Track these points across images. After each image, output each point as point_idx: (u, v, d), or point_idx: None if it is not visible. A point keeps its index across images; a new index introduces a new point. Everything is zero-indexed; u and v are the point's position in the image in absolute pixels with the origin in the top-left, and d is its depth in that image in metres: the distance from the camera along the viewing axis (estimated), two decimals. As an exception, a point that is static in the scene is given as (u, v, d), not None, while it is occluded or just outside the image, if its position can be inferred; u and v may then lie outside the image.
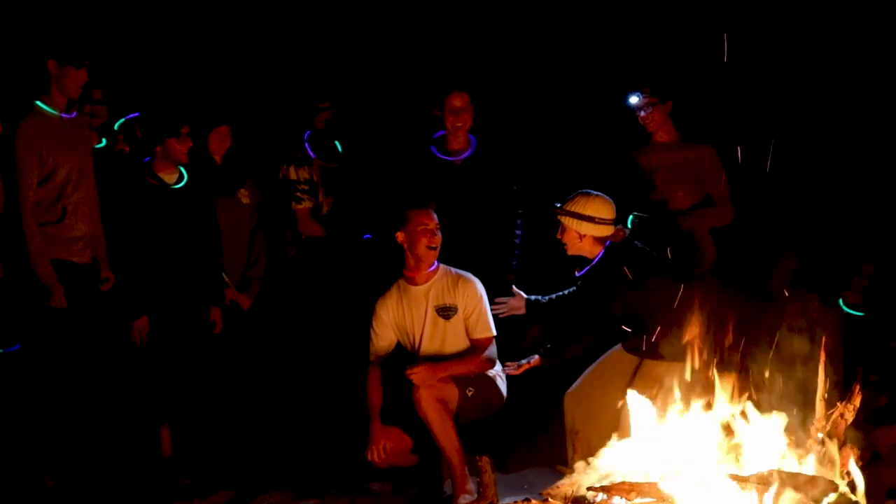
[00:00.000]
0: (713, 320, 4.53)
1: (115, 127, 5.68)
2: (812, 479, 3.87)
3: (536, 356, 5.05)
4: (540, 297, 5.23)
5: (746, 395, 4.19)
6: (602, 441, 4.43)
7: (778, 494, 3.82)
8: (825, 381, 4.06)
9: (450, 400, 4.86)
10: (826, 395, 4.05)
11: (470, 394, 4.92)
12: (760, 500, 3.88)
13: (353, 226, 6.00)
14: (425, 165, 5.69)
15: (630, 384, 4.81)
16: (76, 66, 4.96)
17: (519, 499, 4.53)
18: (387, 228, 5.09)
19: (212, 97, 6.13)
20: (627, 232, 5.19)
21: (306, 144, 5.98)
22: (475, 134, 5.71)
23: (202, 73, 6.46)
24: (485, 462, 4.67)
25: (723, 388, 4.23)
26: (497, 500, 4.67)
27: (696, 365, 4.35)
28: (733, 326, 4.51)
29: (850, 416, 4.00)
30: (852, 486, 3.90)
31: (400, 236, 5.02)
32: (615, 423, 4.57)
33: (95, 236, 5.20)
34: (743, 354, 4.37)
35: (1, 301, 5.04)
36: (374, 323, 5.10)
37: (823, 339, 4.16)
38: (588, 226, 4.92)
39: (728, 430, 4.19)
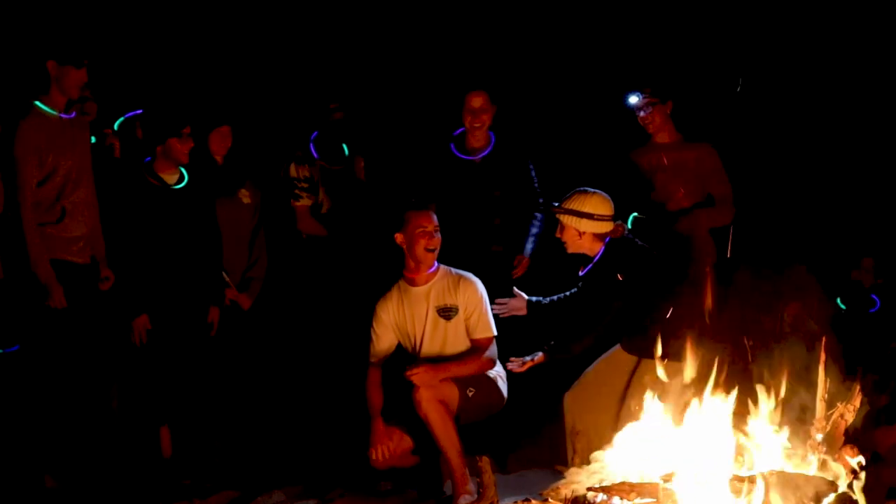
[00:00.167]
0: (713, 320, 4.54)
1: (115, 126, 5.67)
2: (812, 480, 3.87)
3: (540, 353, 5.03)
4: (541, 299, 5.23)
5: (747, 394, 4.18)
6: (602, 441, 4.42)
7: (777, 495, 3.82)
8: (825, 381, 4.05)
9: (450, 401, 4.85)
10: (826, 396, 4.04)
11: (470, 394, 4.91)
12: (760, 501, 3.87)
13: (353, 226, 6.00)
14: (443, 163, 5.71)
15: (629, 384, 4.82)
16: (76, 66, 4.95)
17: (519, 499, 4.52)
18: (388, 229, 5.09)
19: (213, 97, 6.13)
20: (626, 228, 5.20)
21: (311, 145, 5.98)
22: (495, 132, 5.74)
23: (203, 72, 6.45)
24: (485, 462, 4.67)
25: (723, 387, 4.22)
26: (497, 501, 4.66)
27: (696, 364, 4.34)
28: (734, 326, 4.51)
29: (850, 417, 4.00)
30: (852, 487, 3.90)
31: (399, 238, 5.02)
32: (615, 423, 4.56)
33: (95, 236, 5.20)
34: (743, 354, 4.36)
35: (1, 301, 5.03)
36: (374, 324, 5.09)
37: (824, 339, 4.15)
38: (587, 223, 4.92)
39: (728, 430, 4.19)
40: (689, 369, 4.32)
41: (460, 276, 5.07)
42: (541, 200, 5.02)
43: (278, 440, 5.71)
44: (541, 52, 6.57)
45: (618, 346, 5.00)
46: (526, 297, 5.22)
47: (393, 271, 5.16)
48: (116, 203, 5.33)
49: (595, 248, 4.96)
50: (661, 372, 4.39)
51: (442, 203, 5.50)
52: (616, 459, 4.29)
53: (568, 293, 5.17)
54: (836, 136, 6.17)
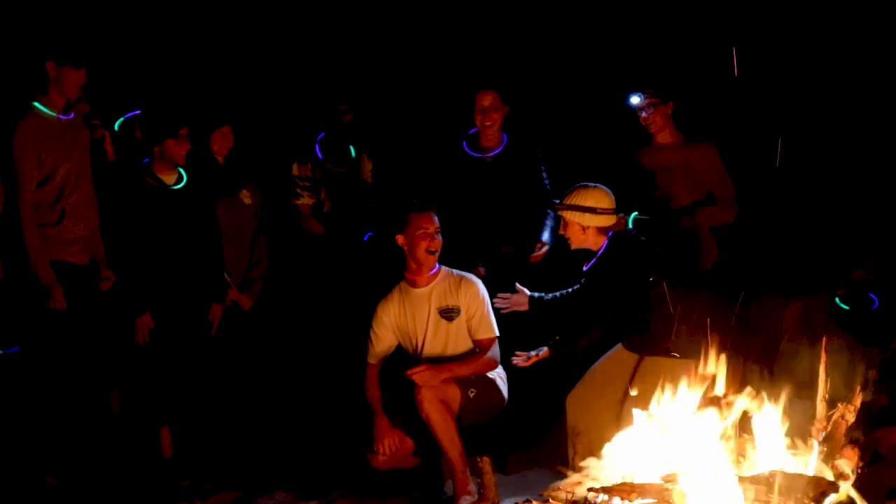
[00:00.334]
0: (714, 318, 4.54)
1: (116, 126, 5.66)
2: (813, 480, 3.87)
3: (545, 348, 5.03)
4: (544, 295, 5.22)
5: (748, 394, 4.18)
6: (603, 442, 4.42)
7: (779, 495, 3.82)
8: (826, 381, 4.06)
9: (452, 401, 4.85)
10: (827, 396, 4.04)
11: (472, 395, 4.91)
12: (761, 501, 3.88)
13: (354, 227, 6.00)
14: (454, 162, 5.73)
15: (631, 382, 4.81)
16: (75, 67, 4.95)
17: (520, 499, 4.53)
18: (389, 230, 5.08)
19: (215, 97, 6.12)
20: (628, 221, 5.21)
21: (316, 146, 5.98)
22: (508, 132, 5.75)
23: (205, 73, 6.44)
24: (485, 463, 4.69)
25: (725, 387, 4.22)
26: (498, 501, 4.69)
27: (698, 363, 4.35)
28: (735, 326, 4.51)
29: (850, 417, 4.00)
30: (853, 487, 3.90)
31: (400, 239, 5.01)
32: (617, 423, 4.56)
33: (94, 237, 5.19)
34: (745, 354, 4.36)
35: (1, 302, 5.03)
36: (374, 325, 5.08)
37: (824, 339, 4.16)
38: (590, 217, 4.92)
39: (730, 430, 4.19)
40: (692, 367, 4.34)
41: (462, 277, 5.07)
42: (556, 201, 5.02)
43: (279, 441, 5.71)
44: (545, 52, 6.55)
45: (619, 346, 5.01)
46: (528, 292, 5.21)
47: (393, 272, 5.15)
48: (115, 204, 5.33)
49: (599, 243, 4.96)
50: (662, 370, 4.40)
51: (452, 201, 5.53)
52: (617, 460, 4.30)
53: (570, 290, 5.16)
54: (837, 136, 6.16)
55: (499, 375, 5.07)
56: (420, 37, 6.63)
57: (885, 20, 6.07)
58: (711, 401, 4.26)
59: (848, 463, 3.92)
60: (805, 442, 4.03)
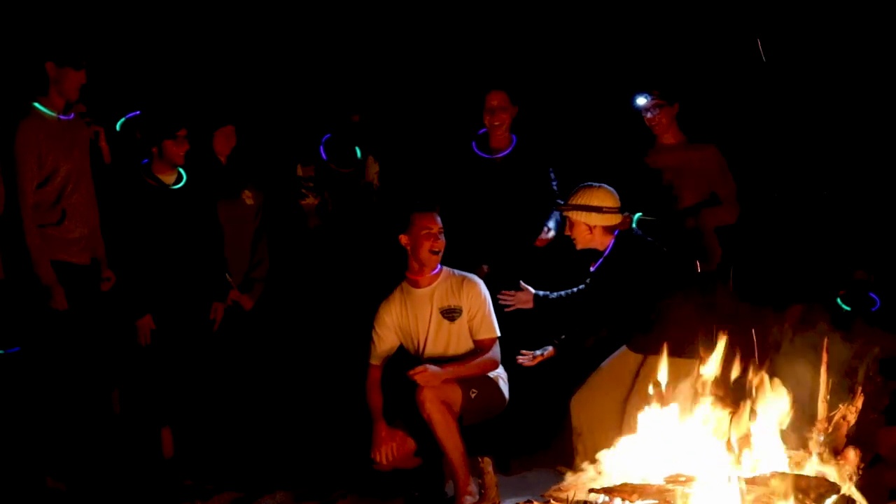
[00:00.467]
0: (716, 319, 4.54)
1: (117, 127, 5.66)
2: (814, 481, 3.87)
3: (551, 347, 5.03)
4: (548, 293, 5.22)
5: (750, 395, 4.18)
6: (606, 443, 4.42)
7: (780, 496, 3.82)
8: (827, 382, 4.05)
9: (453, 401, 4.85)
10: (828, 397, 4.04)
11: (473, 395, 4.91)
12: (762, 502, 3.88)
13: (356, 227, 6.01)
14: (462, 161, 5.74)
15: (635, 382, 4.81)
16: (74, 68, 4.94)
17: (521, 500, 4.53)
18: (392, 231, 5.07)
19: (217, 97, 6.11)
20: (633, 221, 5.21)
21: (321, 147, 5.99)
22: (517, 132, 5.75)
23: (208, 73, 6.44)
24: (486, 463, 4.68)
25: (726, 387, 4.22)
26: (499, 502, 4.68)
27: (700, 363, 4.35)
28: (737, 326, 4.51)
29: (851, 418, 4.00)
30: (854, 488, 3.90)
31: (403, 239, 5.00)
32: (620, 424, 4.56)
33: (95, 237, 5.20)
34: (747, 354, 4.36)
35: (2, 303, 5.03)
36: (375, 326, 5.08)
37: (825, 340, 4.15)
38: (596, 216, 4.92)
39: (731, 431, 4.19)
40: (695, 368, 4.33)
41: (464, 277, 5.06)
42: (561, 202, 5.02)
43: (280, 441, 5.71)
44: (553, 53, 6.54)
45: (624, 348, 5.00)
46: (533, 290, 5.21)
47: (394, 273, 5.15)
48: (115, 204, 5.33)
49: (605, 242, 4.96)
50: (665, 369, 4.40)
51: (460, 201, 5.54)
52: (619, 460, 4.30)
53: (575, 289, 5.16)
54: (840, 136, 6.16)
55: (500, 376, 5.07)
56: (427, 37, 6.62)
57: (888, 23, 6.07)
58: (712, 401, 4.27)
59: (849, 464, 3.93)
60: (806, 443, 4.03)
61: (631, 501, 4.01)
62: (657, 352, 4.65)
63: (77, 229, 5.08)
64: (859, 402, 4.02)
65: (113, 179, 5.38)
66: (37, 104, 4.97)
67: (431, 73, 6.59)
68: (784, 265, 5.69)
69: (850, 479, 3.92)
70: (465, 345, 5.03)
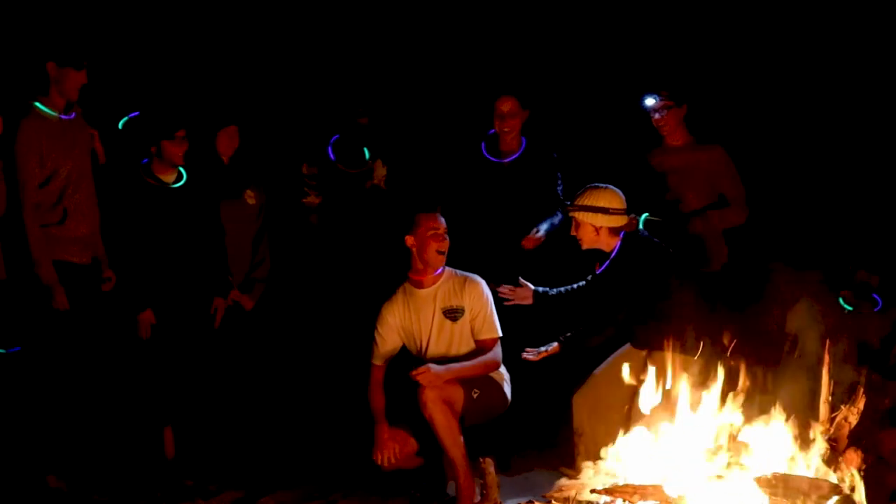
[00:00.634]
0: (720, 319, 4.54)
1: (120, 125, 5.66)
2: (815, 482, 3.87)
3: (556, 343, 5.03)
4: (548, 289, 5.22)
5: (751, 396, 4.18)
6: (609, 443, 4.43)
7: (781, 497, 3.82)
8: (829, 383, 4.06)
9: (455, 401, 4.84)
10: (830, 398, 4.04)
11: (475, 395, 4.90)
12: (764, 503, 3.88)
13: (358, 228, 6.00)
14: (471, 164, 5.72)
15: (639, 378, 4.80)
16: (75, 68, 4.94)
17: (522, 500, 4.55)
18: (396, 232, 5.06)
19: (221, 97, 6.11)
20: (639, 222, 5.20)
21: (329, 148, 5.98)
22: (527, 133, 5.74)
23: (212, 73, 6.43)
24: (488, 464, 4.69)
25: (728, 388, 4.23)
26: (500, 502, 4.68)
27: (701, 363, 4.35)
28: (739, 327, 4.51)
29: (853, 420, 4.00)
30: (855, 489, 3.90)
31: (409, 240, 4.99)
32: (624, 424, 4.56)
33: (95, 237, 5.19)
34: (748, 355, 4.36)
35: (3, 302, 5.03)
36: (378, 326, 5.07)
37: (827, 341, 4.15)
38: (603, 217, 4.93)
39: (733, 431, 4.19)
40: (697, 366, 4.34)
41: (466, 278, 5.06)
42: (568, 203, 5.02)
43: (282, 441, 5.71)
44: (561, 54, 6.53)
45: (628, 346, 5.00)
46: (532, 286, 5.21)
47: (395, 273, 5.14)
48: (115, 203, 5.32)
49: (612, 243, 4.96)
50: (668, 366, 4.41)
51: (466, 204, 5.55)
52: (620, 461, 4.30)
53: (576, 285, 5.16)
54: (844, 138, 6.16)
55: (502, 377, 5.06)
56: (436, 39, 6.61)
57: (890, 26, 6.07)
58: (713, 402, 4.27)
59: (850, 465, 3.93)
60: (808, 444, 4.03)
61: (632, 502, 4.02)
62: (660, 347, 4.67)
63: (78, 228, 5.08)
64: (861, 404, 4.02)
65: (113, 179, 5.38)
66: (38, 104, 4.96)
67: (441, 74, 6.58)
68: (787, 264, 5.67)
69: (852, 480, 3.92)
70: (468, 345, 5.02)
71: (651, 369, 4.66)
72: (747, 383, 4.26)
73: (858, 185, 6.07)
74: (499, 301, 5.14)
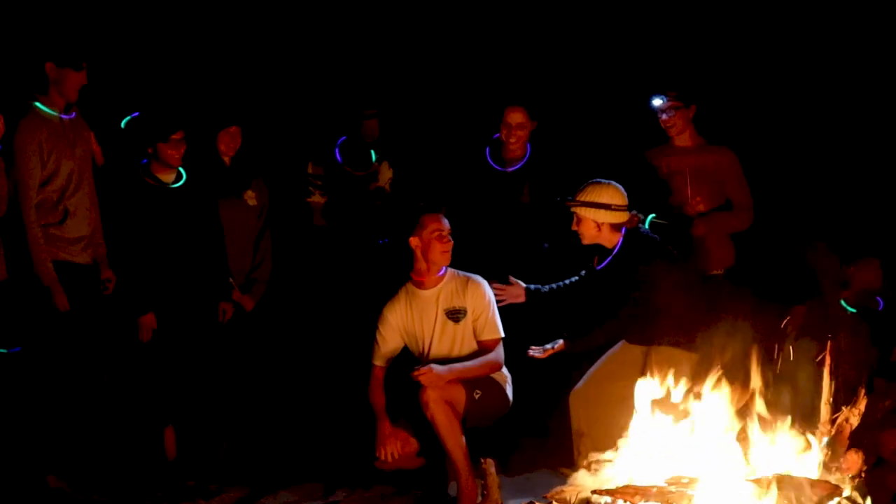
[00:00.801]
0: (723, 318, 4.53)
1: (122, 125, 5.65)
2: (816, 483, 3.86)
3: (561, 341, 5.02)
4: (541, 287, 5.21)
5: (753, 397, 4.17)
6: (609, 442, 4.41)
7: (782, 499, 3.81)
8: (830, 384, 4.05)
9: (457, 402, 4.84)
10: (831, 399, 4.04)
11: (477, 396, 4.90)
12: (765, 504, 3.88)
13: (360, 228, 6.00)
14: (475, 171, 5.72)
15: (643, 373, 4.79)
16: (75, 69, 4.94)
17: (523, 501, 4.54)
18: (400, 233, 5.06)
19: (222, 98, 6.10)
20: (641, 218, 5.19)
21: (336, 150, 5.98)
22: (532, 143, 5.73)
23: (213, 73, 6.43)
24: (489, 464, 4.68)
25: (729, 388, 4.22)
26: (501, 503, 4.68)
27: (702, 361, 4.34)
28: (737, 323, 4.50)
29: (854, 421, 3.99)
30: (856, 490, 3.90)
31: (414, 241, 4.98)
32: (622, 423, 4.55)
33: (96, 237, 5.20)
34: (750, 355, 4.35)
35: (4, 302, 5.03)
36: (380, 327, 5.06)
37: (829, 342, 4.15)
38: (605, 213, 4.92)
39: (733, 431, 4.18)
40: (698, 363, 4.33)
41: (468, 278, 5.05)
42: (569, 198, 5.01)
43: (283, 441, 5.72)
44: (568, 56, 6.52)
45: (623, 343, 5.00)
46: (523, 284, 5.20)
47: (396, 273, 5.14)
48: (115, 203, 5.32)
49: (613, 240, 4.96)
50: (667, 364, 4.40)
51: (466, 208, 5.55)
52: (621, 461, 4.29)
53: (569, 281, 5.15)
54: (848, 138, 6.15)
55: (504, 378, 5.06)
56: (443, 42, 6.60)
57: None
58: (713, 402, 4.26)
59: (852, 467, 3.92)
60: (809, 445, 4.03)
61: (633, 503, 4.01)
62: (657, 343, 4.66)
63: (79, 229, 5.08)
64: (862, 405, 4.01)
65: (113, 179, 5.37)
66: (37, 104, 4.96)
67: (448, 77, 6.57)
68: (788, 265, 5.67)
69: (853, 481, 3.91)
70: (470, 346, 5.01)
71: (648, 366, 4.66)
72: (748, 382, 4.25)
73: (861, 185, 6.06)
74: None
